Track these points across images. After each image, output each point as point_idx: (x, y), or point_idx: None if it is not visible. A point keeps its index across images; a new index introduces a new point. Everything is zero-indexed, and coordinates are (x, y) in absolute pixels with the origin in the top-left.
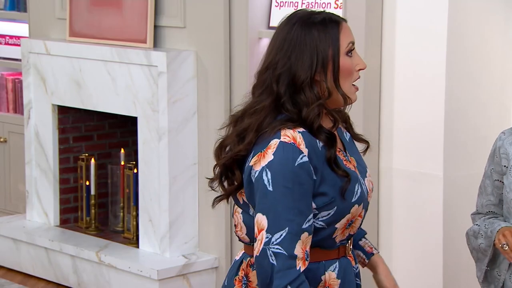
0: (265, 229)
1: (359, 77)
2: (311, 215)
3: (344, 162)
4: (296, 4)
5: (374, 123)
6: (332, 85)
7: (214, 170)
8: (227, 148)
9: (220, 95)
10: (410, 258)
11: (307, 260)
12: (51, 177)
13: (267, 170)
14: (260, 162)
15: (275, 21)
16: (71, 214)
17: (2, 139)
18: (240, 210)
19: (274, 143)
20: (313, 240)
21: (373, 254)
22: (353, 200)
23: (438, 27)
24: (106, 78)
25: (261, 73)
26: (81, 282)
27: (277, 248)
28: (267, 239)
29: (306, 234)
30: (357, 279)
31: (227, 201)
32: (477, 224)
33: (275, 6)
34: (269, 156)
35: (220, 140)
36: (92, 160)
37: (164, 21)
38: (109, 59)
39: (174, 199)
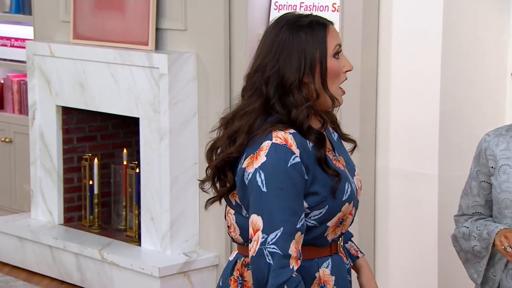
0: (260, 230)
1: (346, 79)
2: (303, 215)
3: (334, 162)
4: (294, 7)
5: (370, 123)
6: (320, 87)
7: (206, 172)
8: (219, 150)
9: (220, 96)
10: (406, 255)
11: (299, 259)
12: (55, 177)
13: (261, 171)
14: (253, 164)
15: None
16: (75, 213)
17: (7, 140)
18: (232, 211)
19: (266, 144)
20: (305, 239)
21: (358, 257)
22: (343, 199)
23: (433, 28)
24: (109, 80)
25: (250, 76)
26: (85, 279)
27: (273, 248)
28: (263, 239)
29: (299, 233)
30: (348, 276)
31: (220, 202)
32: (465, 226)
33: (274, 9)
34: (262, 157)
35: (211, 142)
36: (96, 160)
37: (165, 24)
38: (112, 61)
39: (175, 198)
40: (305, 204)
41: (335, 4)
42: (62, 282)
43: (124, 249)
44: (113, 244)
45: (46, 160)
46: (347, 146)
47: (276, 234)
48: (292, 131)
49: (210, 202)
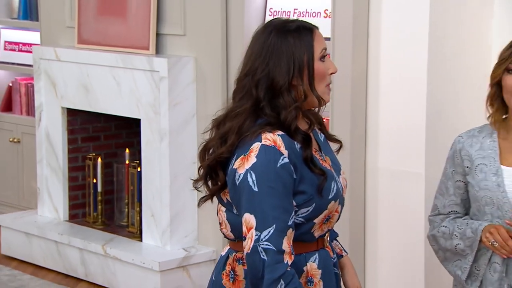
0: (254, 227)
1: (331, 82)
2: (294, 212)
3: (320, 161)
4: (288, 13)
5: (360, 124)
6: (308, 88)
7: (198, 171)
8: (211, 151)
9: (218, 99)
10: (394, 251)
11: (292, 254)
12: (61, 175)
13: (252, 172)
14: (244, 165)
15: None
16: (79, 210)
17: (15, 140)
18: (224, 209)
19: (256, 146)
20: (294, 235)
21: (342, 256)
22: (330, 197)
23: (419, 32)
24: (112, 83)
25: (241, 79)
26: (88, 273)
27: (266, 244)
28: (256, 237)
29: (290, 230)
30: (335, 268)
31: (211, 200)
32: (444, 226)
33: (269, 15)
34: (252, 159)
35: (204, 143)
36: (99, 159)
37: (165, 29)
38: (115, 65)
39: (175, 196)
40: (294, 203)
41: (327, 10)
42: (67, 276)
43: (126, 244)
44: (116, 239)
45: (52, 159)
46: (333, 146)
47: (269, 231)
48: (280, 133)
49: (202, 200)
